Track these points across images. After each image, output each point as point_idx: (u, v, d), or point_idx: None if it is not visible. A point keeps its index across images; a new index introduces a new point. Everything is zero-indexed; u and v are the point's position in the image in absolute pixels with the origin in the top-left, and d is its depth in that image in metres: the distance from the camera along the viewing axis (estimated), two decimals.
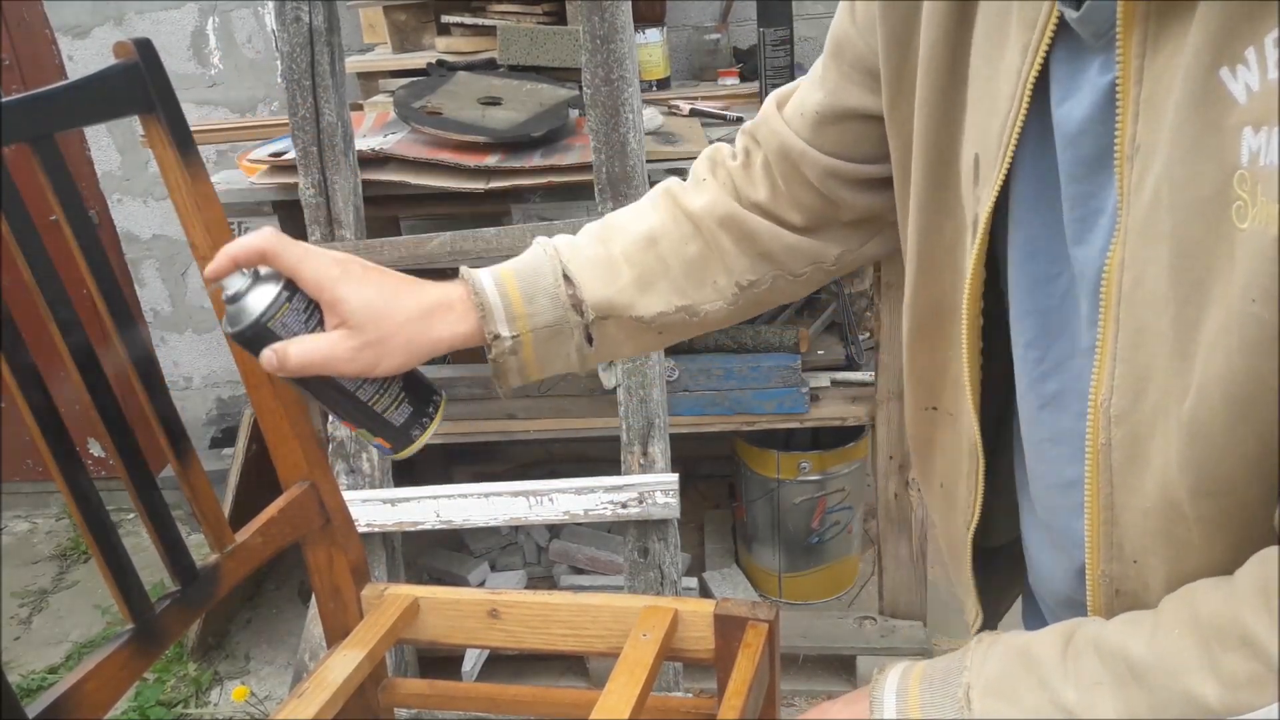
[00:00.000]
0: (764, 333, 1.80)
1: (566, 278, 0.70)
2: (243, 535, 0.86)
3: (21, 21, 2.31)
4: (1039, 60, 0.51)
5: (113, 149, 2.43)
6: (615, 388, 1.61)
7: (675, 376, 1.75)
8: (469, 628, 0.91)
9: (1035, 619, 0.69)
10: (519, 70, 1.82)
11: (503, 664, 1.88)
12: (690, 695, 1.22)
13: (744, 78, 2.07)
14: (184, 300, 2.57)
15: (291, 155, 1.56)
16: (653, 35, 1.99)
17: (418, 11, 1.97)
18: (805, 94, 0.71)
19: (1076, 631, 0.52)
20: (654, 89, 2.02)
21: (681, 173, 1.65)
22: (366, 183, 1.59)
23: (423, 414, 0.71)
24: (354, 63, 1.96)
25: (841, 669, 1.85)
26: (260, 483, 1.97)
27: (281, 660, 2.08)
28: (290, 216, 1.64)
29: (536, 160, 1.55)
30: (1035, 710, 0.51)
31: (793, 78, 1.85)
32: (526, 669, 1.88)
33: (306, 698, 0.81)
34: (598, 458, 1.75)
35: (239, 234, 0.68)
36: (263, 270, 0.66)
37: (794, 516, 1.99)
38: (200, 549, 0.80)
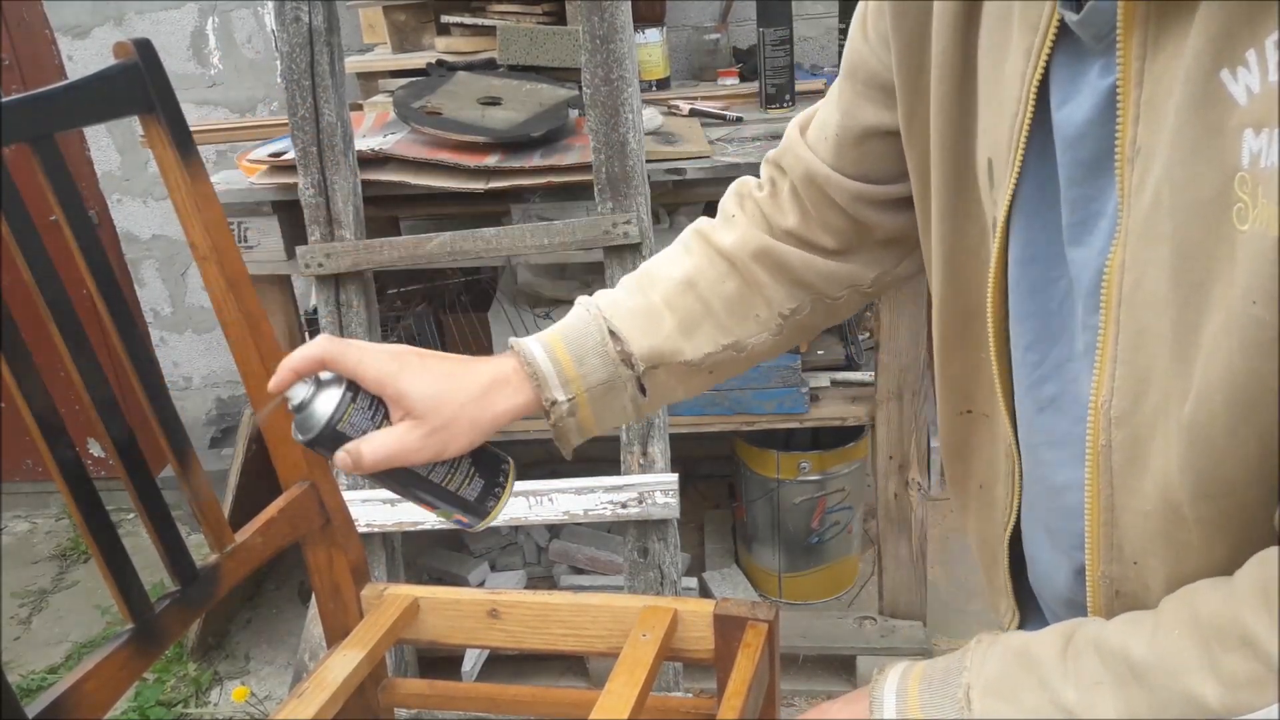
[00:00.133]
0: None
1: (612, 333, 0.72)
2: (243, 535, 0.86)
3: (21, 21, 2.31)
4: (1042, 64, 0.51)
5: (112, 149, 2.43)
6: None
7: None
8: (469, 628, 0.91)
9: (1037, 619, 0.69)
10: (519, 70, 1.82)
11: (503, 664, 1.88)
12: (690, 695, 1.22)
13: (744, 78, 2.07)
14: (183, 300, 2.57)
15: (291, 155, 1.56)
16: (652, 35, 1.99)
17: (417, 11, 1.97)
18: (825, 117, 0.72)
19: (1076, 632, 0.52)
20: (654, 89, 2.02)
21: (680, 172, 1.65)
22: (366, 183, 1.59)
23: (494, 484, 0.73)
24: (354, 63, 1.96)
25: (841, 669, 1.85)
26: (260, 483, 1.97)
27: (281, 660, 2.08)
28: (290, 217, 1.64)
29: (536, 160, 1.56)
30: (1035, 710, 0.51)
31: (792, 78, 1.85)
32: (526, 669, 1.88)
33: (306, 698, 0.81)
34: (598, 458, 1.75)
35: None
36: (324, 375, 0.69)
37: (794, 516, 1.99)
38: (200, 549, 0.80)
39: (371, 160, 1.60)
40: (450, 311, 1.89)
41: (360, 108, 1.91)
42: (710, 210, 0.81)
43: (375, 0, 1.97)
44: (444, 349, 1.40)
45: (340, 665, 0.85)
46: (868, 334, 1.93)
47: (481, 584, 2.06)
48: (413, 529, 1.66)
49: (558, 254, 1.59)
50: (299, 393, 0.69)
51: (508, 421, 0.71)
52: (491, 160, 1.55)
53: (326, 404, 0.68)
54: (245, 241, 1.65)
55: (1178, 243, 0.44)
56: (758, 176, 0.79)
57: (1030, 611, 0.71)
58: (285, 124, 1.59)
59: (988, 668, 0.55)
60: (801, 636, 1.83)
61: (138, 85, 0.78)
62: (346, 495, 1.05)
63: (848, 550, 2.09)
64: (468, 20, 1.89)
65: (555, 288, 1.78)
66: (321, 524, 0.92)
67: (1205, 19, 0.41)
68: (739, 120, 1.81)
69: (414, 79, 1.81)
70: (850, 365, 1.88)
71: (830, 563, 2.06)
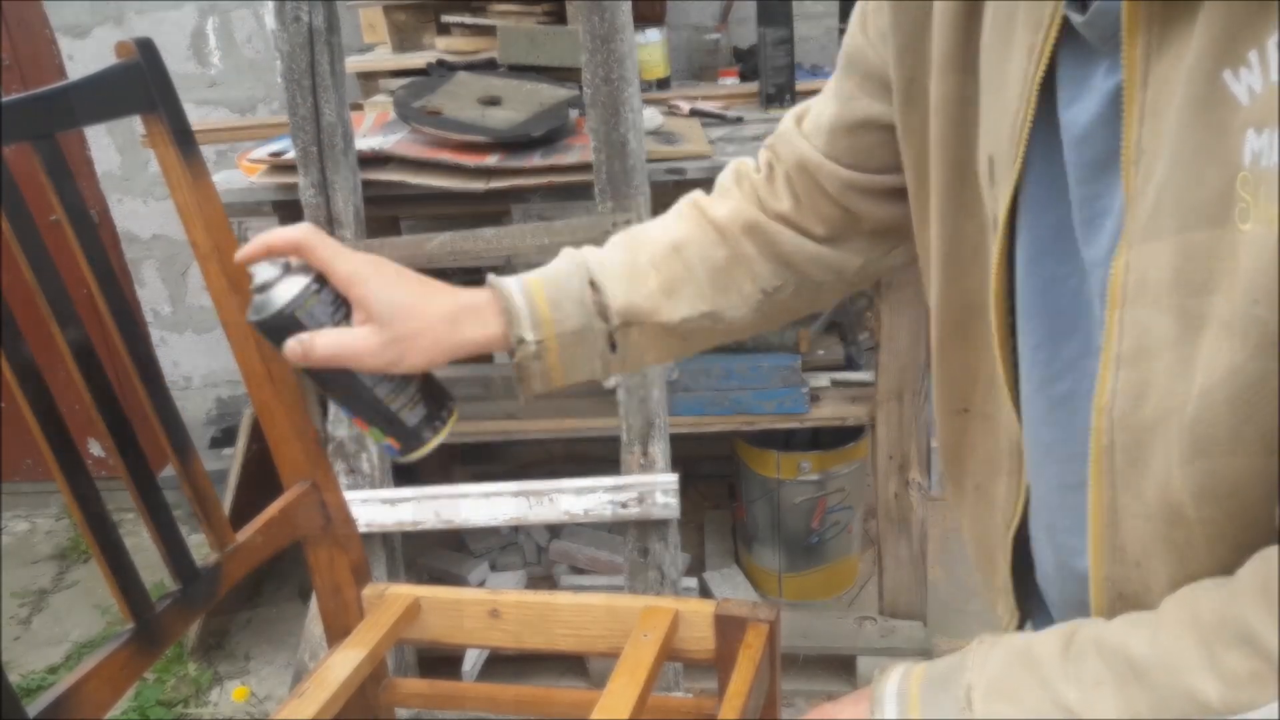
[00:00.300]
0: (764, 333, 1.80)
1: (593, 284, 0.71)
2: (243, 535, 0.86)
3: (21, 21, 2.31)
4: (1044, 63, 0.51)
5: (113, 149, 2.43)
6: (615, 388, 1.61)
7: (675, 376, 1.75)
8: (469, 628, 0.91)
9: (1042, 619, 0.69)
10: (519, 70, 1.82)
11: (503, 664, 1.88)
12: (690, 695, 1.22)
13: (744, 78, 2.08)
14: (184, 300, 2.57)
15: (291, 155, 1.56)
16: (653, 35, 1.99)
17: (417, 11, 1.97)
18: (821, 107, 0.73)
19: (1078, 632, 0.52)
20: (654, 89, 2.02)
21: (680, 172, 1.65)
22: (366, 183, 1.59)
23: (436, 417, 0.72)
24: (354, 62, 1.96)
25: (841, 669, 1.85)
26: (260, 483, 1.97)
27: (281, 660, 2.08)
28: (290, 216, 1.64)
29: (536, 160, 1.55)
30: (1036, 710, 0.51)
31: (793, 77, 1.85)
32: (526, 669, 1.88)
33: (307, 698, 0.81)
34: (598, 458, 1.75)
35: (239, 234, 0.69)
36: (294, 262, 0.68)
37: (794, 516, 1.99)
38: (200, 549, 0.80)
39: (372, 160, 1.60)
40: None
41: (360, 107, 1.91)
42: None
43: (375, 0, 1.97)
44: None
45: (341, 665, 0.85)
46: (868, 334, 1.93)
47: (481, 584, 2.06)
48: (413, 529, 1.66)
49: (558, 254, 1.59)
50: (265, 272, 0.67)
51: (470, 351, 0.69)
52: (492, 160, 1.55)
53: (289, 288, 0.66)
54: (246, 241, 1.65)
55: (1181, 243, 0.44)
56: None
57: (1033, 613, 0.71)
58: (285, 124, 1.59)
59: (989, 668, 0.55)
60: (802, 636, 1.83)
61: (139, 85, 0.78)
62: (346, 495, 1.05)
63: (848, 550, 2.09)
64: (468, 20, 1.89)
65: None
66: (322, 524, 0.92)
67: (1208, 20, 0.41)
68: (739, 120, 1.81)
69: (414, 79, 1.81)
70: (850, 365, 1.88)
71: (830, 563, 2.06)
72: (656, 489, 1.58)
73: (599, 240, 0.76)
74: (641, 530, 1.61)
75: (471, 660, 1.88)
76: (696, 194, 0.78)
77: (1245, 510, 0.46)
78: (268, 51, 2.28)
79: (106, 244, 0.69)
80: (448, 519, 1.64)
